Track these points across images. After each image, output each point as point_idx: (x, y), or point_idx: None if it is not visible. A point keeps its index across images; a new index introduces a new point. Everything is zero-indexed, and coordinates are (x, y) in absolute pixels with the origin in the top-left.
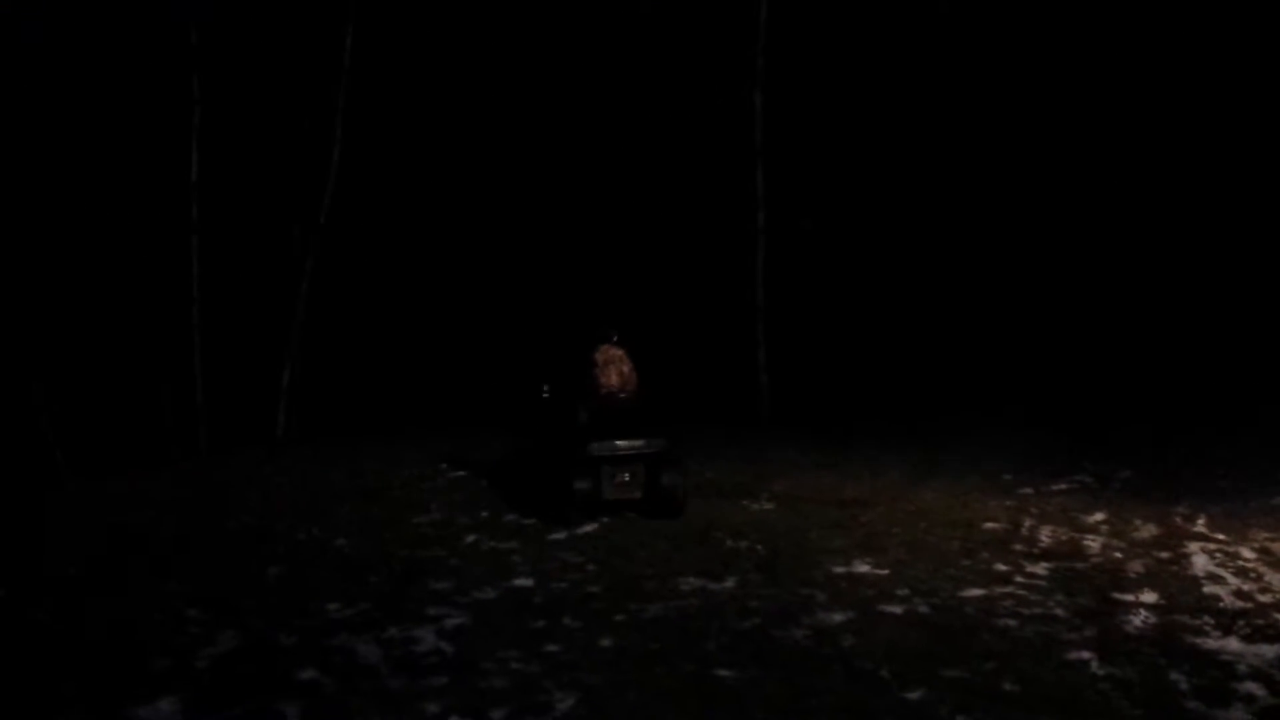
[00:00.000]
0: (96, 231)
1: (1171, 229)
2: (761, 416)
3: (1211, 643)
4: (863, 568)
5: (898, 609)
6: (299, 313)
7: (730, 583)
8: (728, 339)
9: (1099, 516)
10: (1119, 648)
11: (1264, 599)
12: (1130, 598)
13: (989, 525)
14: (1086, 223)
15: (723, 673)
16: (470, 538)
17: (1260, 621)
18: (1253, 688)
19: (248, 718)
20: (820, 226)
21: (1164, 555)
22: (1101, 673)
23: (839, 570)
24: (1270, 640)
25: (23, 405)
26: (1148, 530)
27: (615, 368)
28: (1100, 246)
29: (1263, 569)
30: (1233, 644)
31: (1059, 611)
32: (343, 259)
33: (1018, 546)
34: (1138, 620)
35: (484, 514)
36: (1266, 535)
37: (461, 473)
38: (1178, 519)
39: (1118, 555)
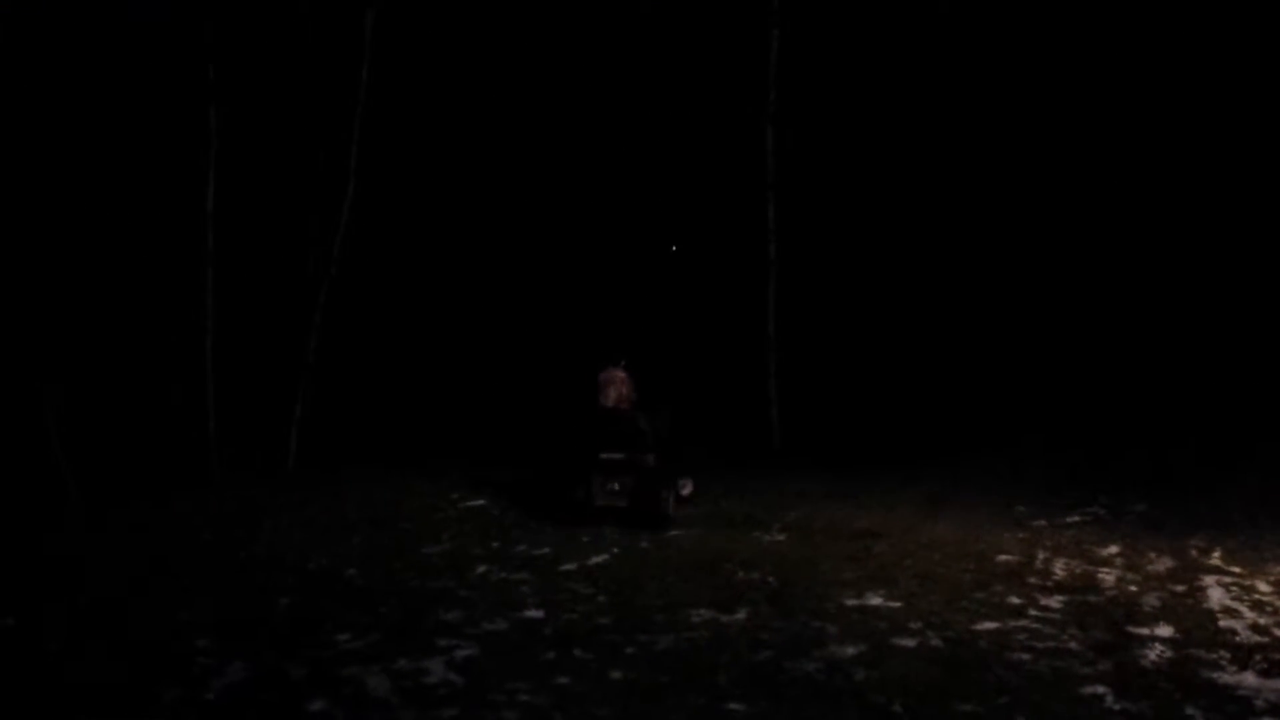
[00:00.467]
0: (110, 258)
1: (1183, 254)
2: (773, 447)
3: (1228, 677)
4: (875, 600)
5: (910, 642)
6: (312, 341)
7: (741, 614)
8: (740, 369)
9: (1113, 549)
10: (1134, 682)
11: None
12: (1145, 631)
13: (1002, 557)
14: (1097, 253)
15: (733, 706)
16: (481, 568)
17: (1277, 655)
18: None
19: None
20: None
21: (1179, 588)
22: (1117, 707)
23: (851, 602)
24: None
25: (33, 430)
26: (1163, 563)
27: (615, 388)
28: (1113, 276)
29: (1279, 602)
30: (1249, 678)
31: (1073, 645)
32: (357, 284)
33: (1031, 579)
34: (1153, 654)
35: (495, 544)
36: None
37: (473, 503)
38: (1193, 552)
39: (1132, 588)
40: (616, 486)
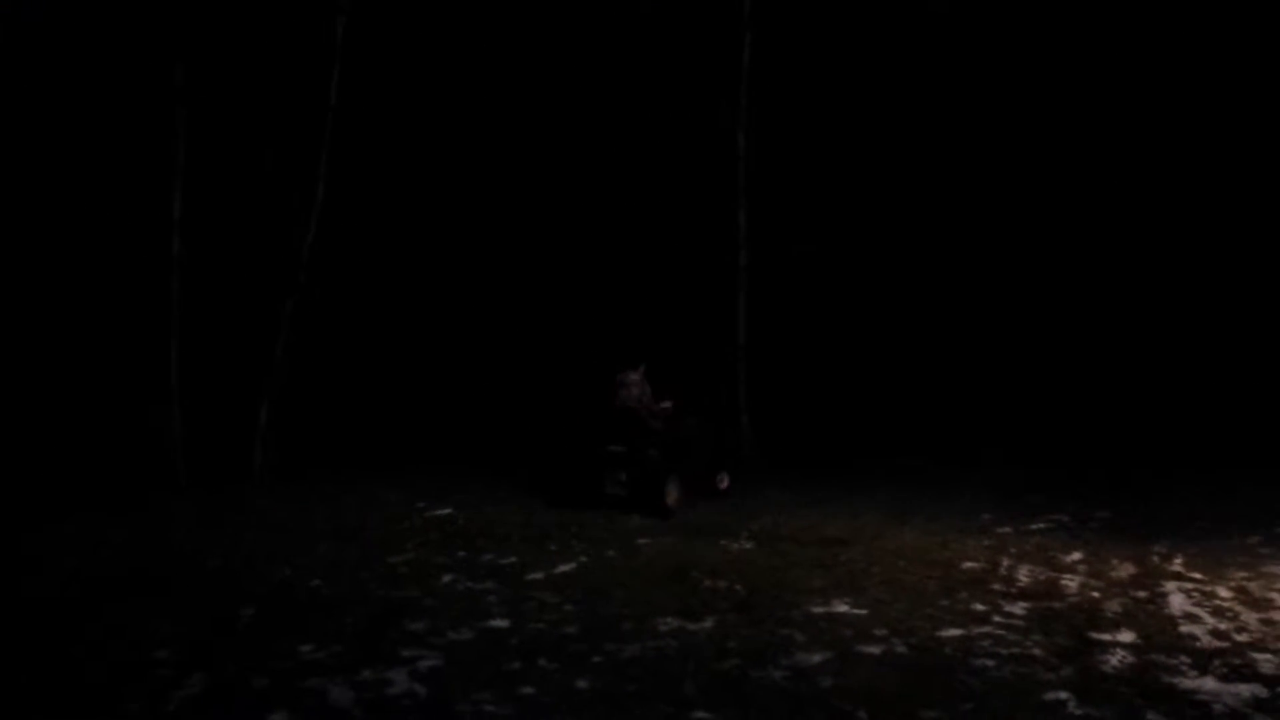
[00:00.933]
0: (74, 260)
1: (1154, 269)
2: (742, 455)
3: (1188, 682)
4: (841, 607)
5: (876, 649)
6: (279, 348)
7: (708, 623)
8: (710, 377)
9: (1076, 556)
10: (1096, 687)
11: (1240, 638)
12: (1108, 637)
13: (967, 565)
14: (1062, 266)
15: (700, 714)
16: (447, 577)
17: (1237, 661)
18: None
19: None
20: (808, 259)
21: (1141, 594)
22: (1079, 713)
23: (818, 610)
24: (1246, 680)
25: None
26: (1125, 570)
27: (628, 389)
28: (1075, 290)
29: (1239, 608)
30: (1209, 683)
31: (1036, 651)
32: (332, 290)
33: (996, 586)
34: (1115, 660)
35: (461, 554)
36: (1243, 575)
37: (439, 511)
38: (1155, 558)
39: (1095, 594)
40: (623, 477)
